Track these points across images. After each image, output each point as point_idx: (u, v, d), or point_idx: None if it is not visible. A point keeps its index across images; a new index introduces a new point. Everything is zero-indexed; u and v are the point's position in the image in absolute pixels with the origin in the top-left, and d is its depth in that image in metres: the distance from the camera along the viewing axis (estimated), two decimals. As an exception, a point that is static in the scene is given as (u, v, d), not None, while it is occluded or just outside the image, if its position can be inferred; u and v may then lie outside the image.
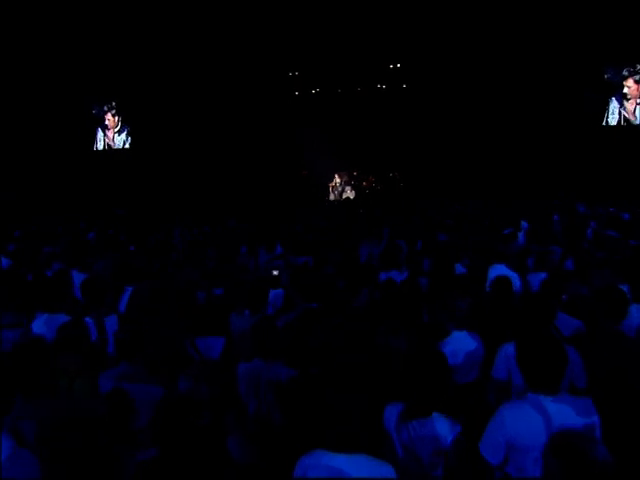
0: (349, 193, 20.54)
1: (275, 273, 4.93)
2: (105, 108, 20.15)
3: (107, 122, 20.24)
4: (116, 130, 20.19)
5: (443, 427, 2.74)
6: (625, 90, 16.52)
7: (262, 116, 19.53)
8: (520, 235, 8.05)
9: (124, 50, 17.62)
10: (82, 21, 16.79)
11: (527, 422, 2.57)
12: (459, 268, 5.66)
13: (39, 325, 4.13)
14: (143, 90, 18.87)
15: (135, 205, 16.49)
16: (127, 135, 20.15)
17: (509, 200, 13.08)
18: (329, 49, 19.16)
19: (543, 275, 5.29)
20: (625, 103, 16.59)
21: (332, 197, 20.63)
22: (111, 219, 14.46)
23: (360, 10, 18.01)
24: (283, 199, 18.03)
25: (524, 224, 9.43)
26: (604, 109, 16.77)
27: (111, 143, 20.20)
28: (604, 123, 16.69)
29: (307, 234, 8.15)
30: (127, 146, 20.08)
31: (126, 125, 20.15)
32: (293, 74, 20.85)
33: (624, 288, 4.13)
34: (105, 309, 4.86)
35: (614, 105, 16.71)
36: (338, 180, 20.86)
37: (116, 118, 20.21)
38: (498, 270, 5.17)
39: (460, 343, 3.74)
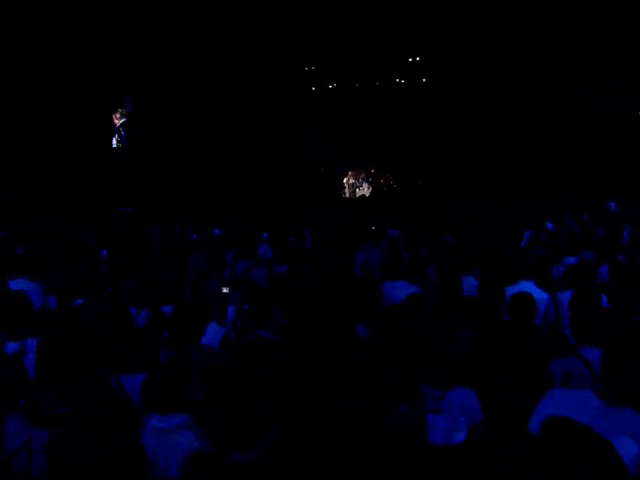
0: (365, 191, 19.42)
1: (225, 290, 3.88)
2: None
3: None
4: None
5: None
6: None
7: (277, 112, 18.55)
8: (542, 239, 6.78)
9: (128, 44, 16.83)
10: (85, 18, 16.13)
11: None
12: (471, 282, 4.49)
13: None
14: (152, 88, 18.08)
15: (140, 203, 15.63)
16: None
17: (528, 199, 11.72)
18: (346, 43, 18.27)
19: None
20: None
21: (347, 195, 19.54)
22: (113, 217, 13.68)
23: (377, 1, 17.07)
24: (296, 198, 17.02)
25: (549, 225, 8.16)
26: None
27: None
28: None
29: (300, 236, 7.04)
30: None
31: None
32: (309, 69, 19.94)
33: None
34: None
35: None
36: (353, 177, 19.79)
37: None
38: (524, 290, 3.96)
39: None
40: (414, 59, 19.22)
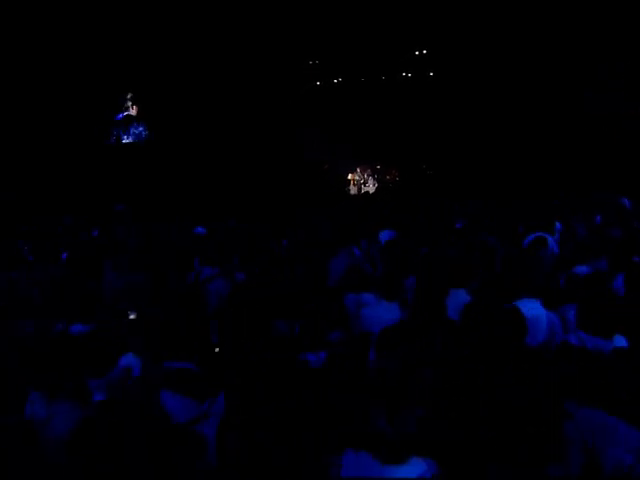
0: (370, 187, 18.65)
1: (131, 316, 3.07)
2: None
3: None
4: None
5: None
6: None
7: (280, 108, 17.76)
8: (551, 242, 5.84)
9: (127, 41, 16.20)
10: (86, 19, 15.58)
11: None
12: (462, 297, 3.64)
13: None
14: (152, 86, 17.46)
15: (139, 201, 14.96)
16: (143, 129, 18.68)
17: (527, 199, 10.89)
18: (351, 36, 17.49)
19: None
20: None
21: (352, 192, 18.77)
22: (109, 216, 13.08)
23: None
24: (298, 196, 16.27)
25: (558, 225, 7.22)
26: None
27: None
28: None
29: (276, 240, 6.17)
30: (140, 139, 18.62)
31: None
32: (313, 63, 19.15)
33: None
34: None
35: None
36: (359, 174, 19.03)
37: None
38: (529, 312, 3.11)
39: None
40: (421, 52, 18.40)
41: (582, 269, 4.32)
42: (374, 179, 19.01)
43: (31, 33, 15.56)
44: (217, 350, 3.19)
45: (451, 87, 17.20)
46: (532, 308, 3.23)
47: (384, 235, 6.48)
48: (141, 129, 18.67)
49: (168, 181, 16.27)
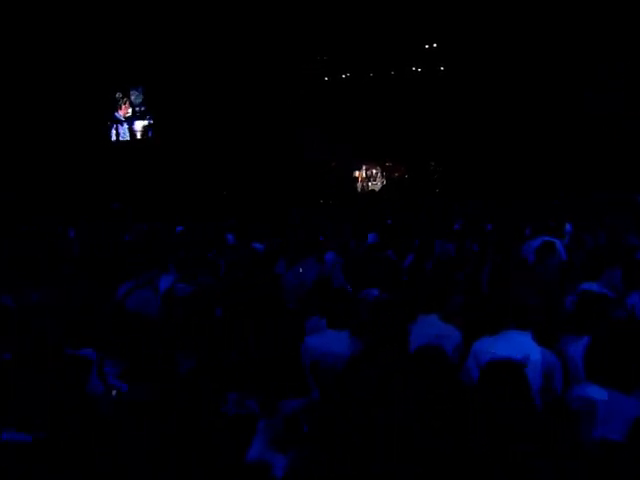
0: (378, 185, 17.84)
1: None
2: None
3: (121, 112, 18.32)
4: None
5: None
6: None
7: (286, 106, 17.02)
8: (559, 246, 4.95)
9: (127, 39, 15.62)
10: (86, 17, 15.02)
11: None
12: (432, 327, 2.78)
13: None
14: (155, 81, 16.83)
15: (137, 199, 14.40)
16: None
17: (527, 199, 10.10)
18: (359, 30, 16.68)
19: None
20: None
21: (359, 189, 18.00)
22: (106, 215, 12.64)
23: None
24: (304, 195, 15.65)
25: (568, 227, 6.32)
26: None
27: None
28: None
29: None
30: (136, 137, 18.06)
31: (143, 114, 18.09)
32: (321, 58, 18.37)
33: None
34: None
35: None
36: (367, 171, 18.26)
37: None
38: (517, 353, 2.25)
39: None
40: (431, 46, 17.44)
41: (592, 286, 3.42)
42: (382, 176, 18.24)
43: (31, 33, 15.10)
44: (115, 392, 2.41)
45: (462, 82, 16.39)
46: (521, 345, 2.37)
47: (370, 238, 5.66)
48: (124, 129, 18.17)
49: (167, 180, 15.72)
